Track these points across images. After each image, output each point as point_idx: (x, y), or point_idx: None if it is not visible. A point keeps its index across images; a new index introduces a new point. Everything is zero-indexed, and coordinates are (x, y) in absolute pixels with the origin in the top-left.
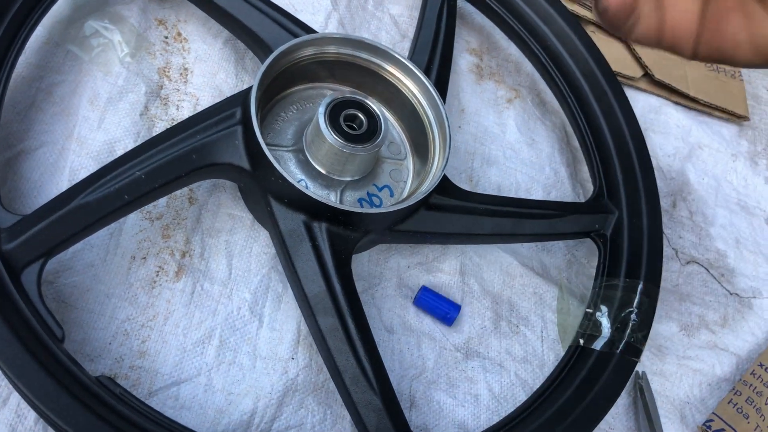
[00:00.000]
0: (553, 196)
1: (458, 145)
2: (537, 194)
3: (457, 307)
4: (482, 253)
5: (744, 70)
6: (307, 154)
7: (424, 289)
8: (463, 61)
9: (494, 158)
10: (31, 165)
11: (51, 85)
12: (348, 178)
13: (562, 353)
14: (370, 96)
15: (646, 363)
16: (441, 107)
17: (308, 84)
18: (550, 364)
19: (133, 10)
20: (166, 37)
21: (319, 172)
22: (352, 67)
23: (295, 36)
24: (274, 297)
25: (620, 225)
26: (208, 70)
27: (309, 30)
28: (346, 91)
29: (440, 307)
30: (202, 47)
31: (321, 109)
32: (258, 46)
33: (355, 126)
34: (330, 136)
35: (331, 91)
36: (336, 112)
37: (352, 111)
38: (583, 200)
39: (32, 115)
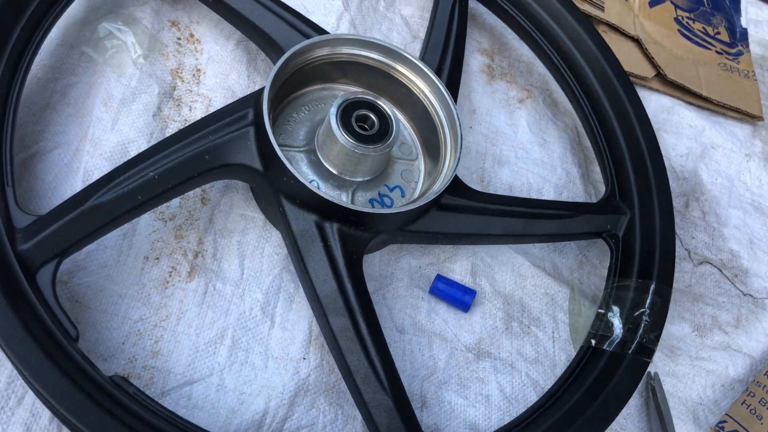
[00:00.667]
0: (565, 197)
1: (469, 146)
2: (548, 194)
3: (472, 292)
4: (494, 253)
5: (758, 70)
6: (319, 155)
7: (439, 277)
8: (474, 61)
9: (506, 158)
10: (45, 166)
11: (65, 87)
12: (359, 179)
13: (574, 354)
14: (381, 96)
15: (658, 364)
16: (452, 107)
17: (320, 85)
18: (562, 364)
19: (147, 12)
20: (179, 39)
21: (331, 172)
22: (363, 67)
23: (307, 37)
24: (285, 297)
25: (632, 225)
26: (220, 71)
27: (321, 31)
28: (357, 92)
29: (456, 293)
30: (215, 48)
31: (333, 110)
32: (270, 47)
33: (366, 126)
34: (342, 136)
35: (342, 92)
36: (348, 113)
37: (363, 111)
38: (594, 201)
39: (47, 116)
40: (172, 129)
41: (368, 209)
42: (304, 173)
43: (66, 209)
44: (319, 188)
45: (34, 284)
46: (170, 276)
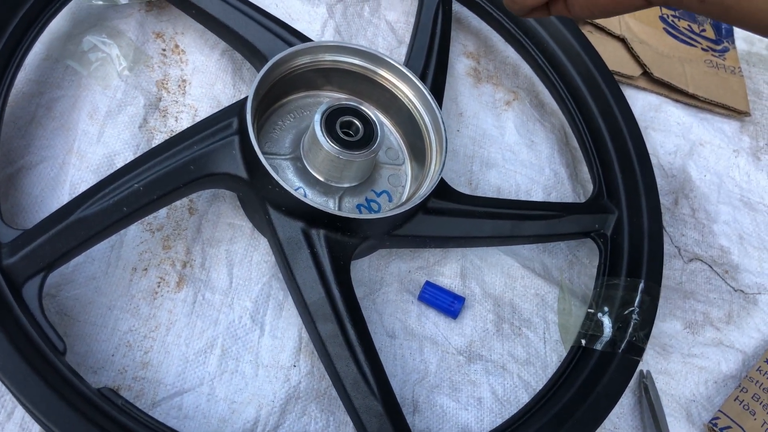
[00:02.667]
0: (554, 197)
1: (457, 149)
2: (537, 196)
3: (461, 299)
4: (483, 255)
5: (744, 66)
6: (305, 162)
7: (428, 284)
8: (460, 65)
9: (493, 161)
10: (32, 180)
11: (51, 101)
12: (346, 185)
13: (565, 354)
14: (366, 102)
15: (650, 362)
16: (437, 111)
17: (305, 92)
18: (553, 365)
19: (131, 24)
20: (164, 50)
21: (317, 179)
22: (347, 74)
23: (291, 45)
24: (275, 305)
25: (620, 224)
26: (205, 81)
27: (304, 39)
28: (342, 99)
29: (444, 300)
30: (200, 59)
31: (317, 117)
32: (254, 56)
33: (351, 132)
34: (326, 143)
35: (327, 99)
36: (332, 120)
37: (348, 118)
38: (583, 200)
39: (32, 130)
40: (158, 140)
41: (353, 215)
42: (290, 181)
43: (51, 222)
44: (305, 195)
45: (20, 299)
46: (159, 287)
